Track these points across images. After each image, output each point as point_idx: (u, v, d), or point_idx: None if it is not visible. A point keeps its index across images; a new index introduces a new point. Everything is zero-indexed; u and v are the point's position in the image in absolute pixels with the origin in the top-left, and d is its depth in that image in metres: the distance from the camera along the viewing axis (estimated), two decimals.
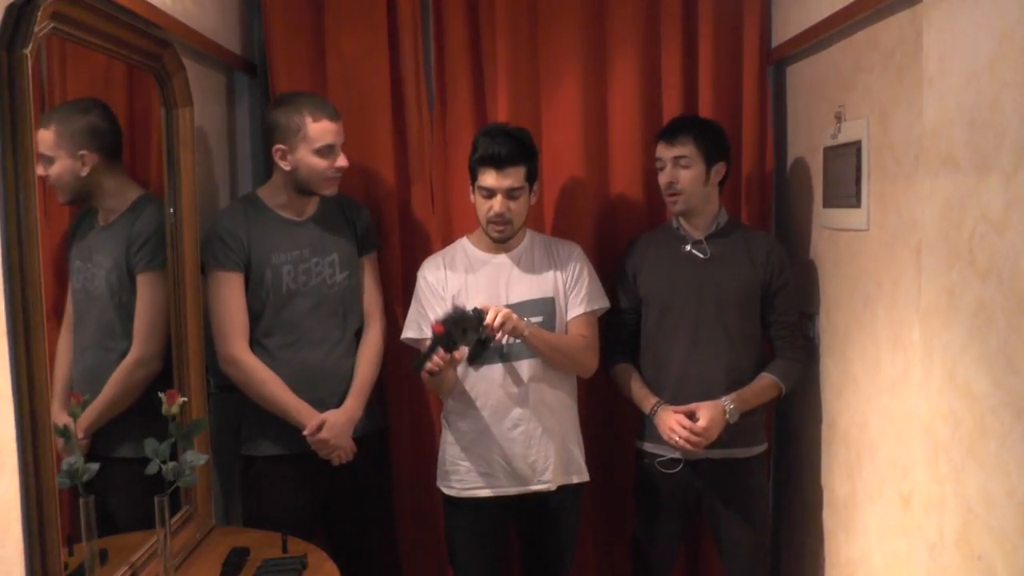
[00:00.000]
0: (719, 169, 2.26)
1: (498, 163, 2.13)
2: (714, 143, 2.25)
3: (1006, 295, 1.36)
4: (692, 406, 2.20)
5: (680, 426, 2.18)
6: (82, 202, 1.81)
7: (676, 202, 2.26)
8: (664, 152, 2.26)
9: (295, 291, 2.23)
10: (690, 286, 2.26)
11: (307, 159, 2.18)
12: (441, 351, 1.97)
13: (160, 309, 1.99)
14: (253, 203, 2.28)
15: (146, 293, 1.92)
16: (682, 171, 2.23)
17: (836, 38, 2.15)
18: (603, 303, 2.30)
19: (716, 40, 2.53)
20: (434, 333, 1.97)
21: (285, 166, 2.20)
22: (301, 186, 2.23)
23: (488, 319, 2.02)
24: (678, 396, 2.25)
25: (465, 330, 1.99)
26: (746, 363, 2.26)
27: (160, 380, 1.96)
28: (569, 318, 2.25)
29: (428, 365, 1.97)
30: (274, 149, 2.20)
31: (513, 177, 2.14)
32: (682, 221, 2.31)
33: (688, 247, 2.28)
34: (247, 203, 2.29)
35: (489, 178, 2.14)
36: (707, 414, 2.17)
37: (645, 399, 2.29)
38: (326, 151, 2.19)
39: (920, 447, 1.68)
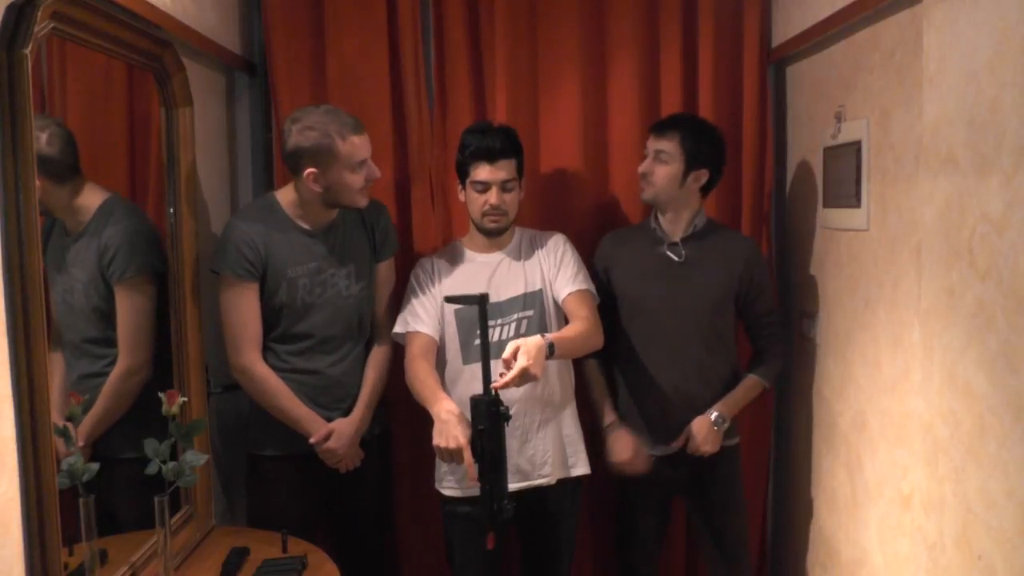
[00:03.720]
0: (699, 175, 2.24)
1: (491, 156, 2.15)
2: (701, 147, 2.22)
3: (1006, 295, 1.36)
4: (681, 440, 2.25)
5: (631, 455, 2.25)
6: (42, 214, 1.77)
7: (644, 189, 2.28)
8: (650, 143, 2.27)
9: (310, 303, 2.20)
10: (663, 289, 2.26)
11: (342, 178, 2.11)
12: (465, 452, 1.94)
13: (143, 316, 1.94)
14: (272, 210, 2.21)
15: (125, 303, 1.87)
16: (659, 166, 2.23)
17: (836, 38, 2.15)
18: (588, 285, 2.25)
19: (716, 40, 2.53)
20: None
21: (316, 188, 2.12)
22: (333, 203, 2.18)
23: (509, 376, 1.92)
24: (655, 401, 2.27)
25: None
26: (721, 366, 2.28)
27: (154, 384, 1.92)
28: (562, 297, 2.21)
29: (439, 443, 1.97)
30: (305, 174, 2.10)
31: (506, 170, 2.17)
32: (660, 220, 2.30)
33: (663, 249, 2.28)
34: (266, 210, 2.22)
35: (483, 172, 2.15)
36: (699, 433, 2.22)
37: (605, 412, 2.33)
38: (359, 167, 2.13)
39: (920, 447, 1.68)
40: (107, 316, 1.85)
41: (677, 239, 2.28)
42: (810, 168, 2.38)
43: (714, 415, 2.23)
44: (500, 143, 2.16)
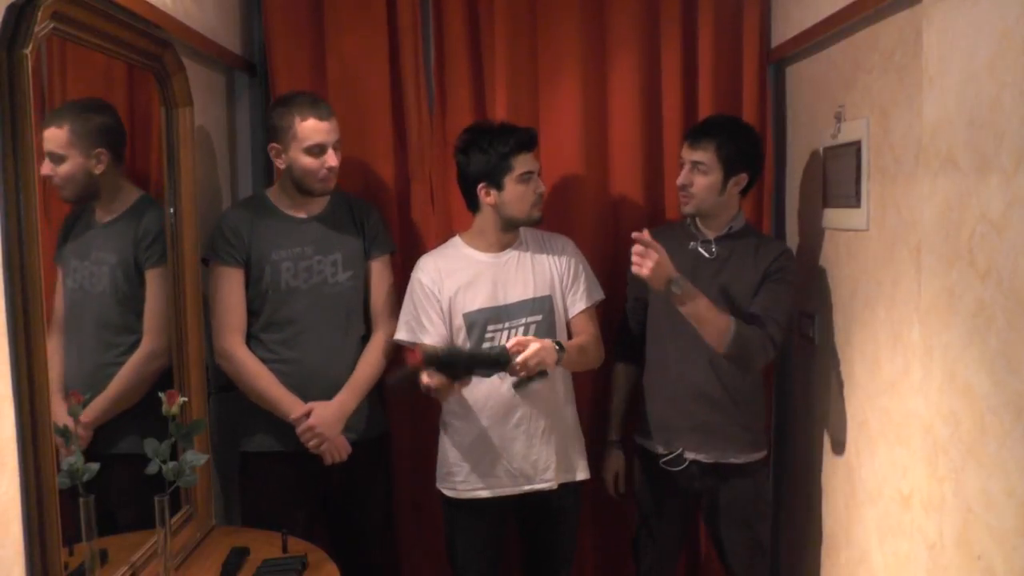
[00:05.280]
0: (739, 180, 2.21)
1: (531, 146, 2.22)
2: (738, 153, 2.18)
3: (1006, 295, 1.36)
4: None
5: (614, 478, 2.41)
6: (86, 200, 1.82)
7: (687, 203, 2.24)
8: (685, 153, 2.23)
9: (294, 288, 2.24)
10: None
11: (298, 158, 2.21)
12: (435, 377, 1.98)
13: (167, 302, 2.02)
14: (259, 201, 2.33)
15: (156, 288, 1.96)
16: (698, 176, 2.19)
17: (836, 38, 2.15)
18: (599, 295, 2.33)
19: (716, 40, 2.53)
20: (412, 364, 1.97)
21: (280, 164, 2.25)
22: (297, 185, 2.26)
23: (519, 359, 1.99)
24: (669, 394, 2.26)
25: (450, 367, 1.96)
26: (739, 370, 2.19)
27: (168, 374, 1.99)
28: (572, 316, 2.27)
29: (423, 381, 1.99)
30: (269, 147, 2.25)
31: (538, 159, 2.26)
32: (696, 219, 2.28)
33: (694, 244, 2.26)
34: (253, 201, 2.35)
35: (529, 161, 2.20)
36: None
37: (612, 426, 2.43)
38: (316, 150, 2.21)
39: (920, 447, 1.68)
40: (130, 301, 1.91)
41: (711, 237, 2.26)
42: (810, 168, 2.38)
43: (676, 274, 2.02)
44: (531, 133, 2.24)
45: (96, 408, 1.75)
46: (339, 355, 2.28)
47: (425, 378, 1.98)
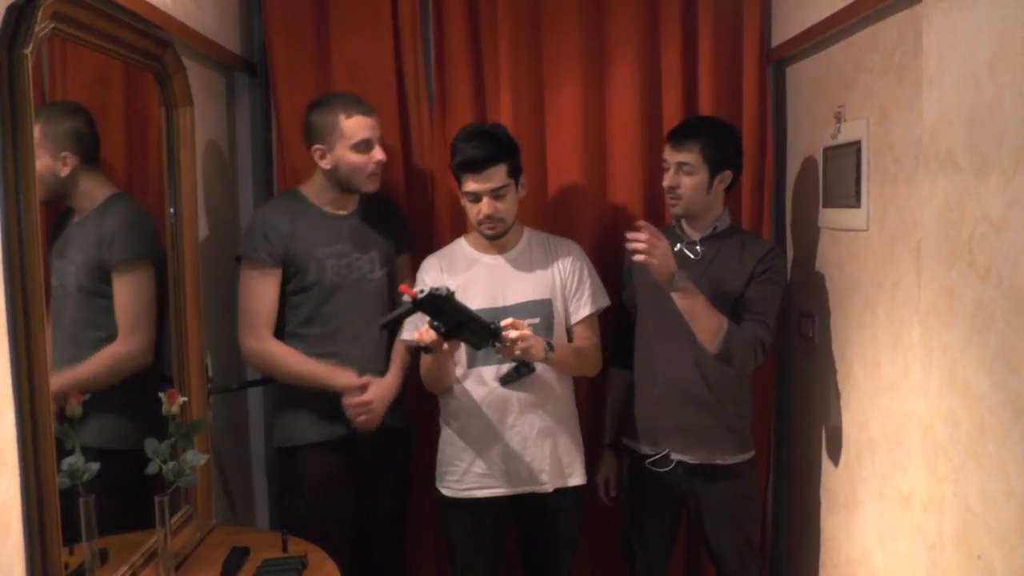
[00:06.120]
0: (724, 177, 2.22)
1: (477, 167, 2.10)
2: (722, 151, 2.20)
3: (1006, 295, 1.36)
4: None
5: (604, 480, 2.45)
6: (56, 202, 1.79)
7: (675, 205, 2.25)
8: (669, 155, 2.23)
9: (337, 284, 2.27)
10: None
11: (345, 156, 2.22)
12: (426, 329, 1.95)
13: (141, 301, 1.96)
14: (296, 198, 2.32)
15: (123, 287, 1.90)
16: (684, 177, 2.20)
17: (836, 38, 2.15)
18: (605, 301, 2.31)
19: (716, 40, 2.54)
20: (409, 299, 1.90)
21: (325, 165, 2.24)
22: (343, 184, 2.27)
23: (510, 335, 1.99)
24: (659, 395, 2.26)
25: (442, 315, 1.92)
26: (724, 369, 2.18)
27: (148, 373, 1.95)
28: (574, 322, 2.26)
29: (415, 336, 2.00)
30: (313, 149, 2.24)
31: (495, 178, 2.11)
32: (682, 221, 2.30)
33: (680, 246, 2.26)
34: (290, 199, 2.35)
35: (471, 183, 2.12)
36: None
37: (606, 430, 2.46)
38: (363, 146, 2.23)
39: (920, 447, 1.68)
40: (94, 298, 1.86)
41: (697, 238, 2.27)
42: (810, 168, 2.38)
43: (682, 277, 2.05)
44: (484, 151, 2.09)
45: (57, 381, 1.63)
46: (376, 350, 2.31)
47: (417, 334, 1.99)
